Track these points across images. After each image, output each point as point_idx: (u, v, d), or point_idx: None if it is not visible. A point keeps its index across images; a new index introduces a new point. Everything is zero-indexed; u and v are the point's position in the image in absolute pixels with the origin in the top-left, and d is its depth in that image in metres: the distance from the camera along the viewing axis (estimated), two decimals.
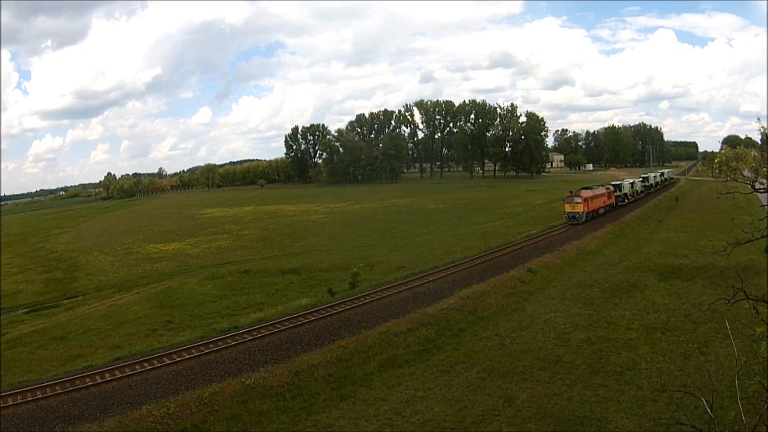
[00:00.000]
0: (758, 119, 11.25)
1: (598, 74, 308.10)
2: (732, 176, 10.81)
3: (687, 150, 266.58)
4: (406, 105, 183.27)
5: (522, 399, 18.95)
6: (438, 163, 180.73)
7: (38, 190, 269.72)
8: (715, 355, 21.08)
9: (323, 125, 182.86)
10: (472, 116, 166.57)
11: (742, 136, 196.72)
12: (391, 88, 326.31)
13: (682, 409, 16.86)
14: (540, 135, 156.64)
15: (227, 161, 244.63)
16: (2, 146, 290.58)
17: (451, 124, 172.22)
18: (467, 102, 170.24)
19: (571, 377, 20.41)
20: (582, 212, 51.66)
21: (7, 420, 17.73)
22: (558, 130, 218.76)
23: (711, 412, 7.99)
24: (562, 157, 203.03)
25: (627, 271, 35.70)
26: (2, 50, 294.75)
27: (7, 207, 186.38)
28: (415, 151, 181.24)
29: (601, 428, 16.86)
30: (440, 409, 18.47)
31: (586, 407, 18.13)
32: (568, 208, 52.73)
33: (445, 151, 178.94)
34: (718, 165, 11.15)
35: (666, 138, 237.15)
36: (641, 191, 75.14)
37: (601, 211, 56.65)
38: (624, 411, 17.65)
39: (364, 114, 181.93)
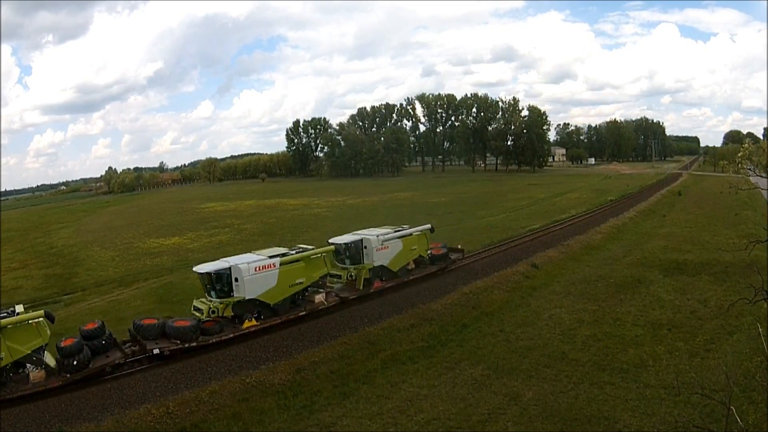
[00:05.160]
0: None
1: (600, 68, 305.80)
2: (757, 172, 10.40)
3: (689, 145, 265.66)
4: (408, 98, 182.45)
5: (528, 397, 18.61)
6: (440, 156, 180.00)
7: (39, 185, 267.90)
8: (723, 353, 20.82)
9: (325, 119, 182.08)
10: (474, 110, 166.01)
11: (744, 132, 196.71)
12: (393, 82, 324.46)
13: (692, 408, 16.54)
14: (542, 129, 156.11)
15: (228, 155, 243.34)
16: (3, 141, 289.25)
17: (453, 118, 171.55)
18: (469, 96, 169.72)
19: (578, 375, 20.06)
20: None
21: (4, 419, 17.46)
22: (560, 124, 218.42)
23: (740, 420, 7.60)
24: (564, 151, 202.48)
25: (631, 266, 35.31)
26: (3, 45, 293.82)
27: (8, 202, 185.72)
28: (416, 144, 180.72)
29: (608, 428, 16.51)
30: (445, 408, 18.14)
31: (593, 406, 17.80)
32: None
33: (446, 144, 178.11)
34: (740, 159, 10.72)
35: (668, 133, 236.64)
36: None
37: None
38: (632, 410, 17.29)
39: (365, 108, 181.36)
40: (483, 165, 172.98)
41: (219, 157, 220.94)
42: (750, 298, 10.26)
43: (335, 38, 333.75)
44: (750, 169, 10.66)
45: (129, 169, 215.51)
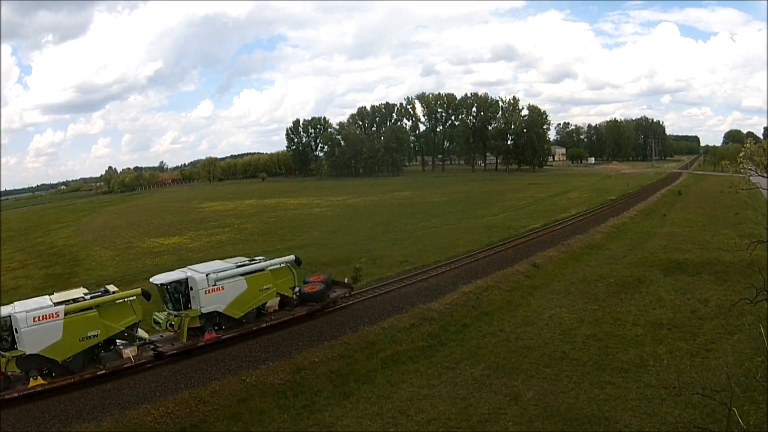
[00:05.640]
0: None
1: (600, 68, 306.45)
2: (758, 172, 10.36)
3: (689, 144, 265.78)
4: (408, 98, 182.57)
5: (528, 397, 18.59)
6: (440, 156, 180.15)
7: (39, 184, 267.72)
8: (724, 353, 20.78)
9: (325, 118, 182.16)
10: (474, 109, 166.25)
11: (744, 131, 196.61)
12: (393, 81, 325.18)
13: (692, 408, 16.50)
14: (542, 128, 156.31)
15: (228, 155, 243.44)
16: (3, 141, 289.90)
17: (453, 117, 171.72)
18: (469, 95, 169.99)
19: (578, 374, 20.03)
20: None
21: (4, 419, 17.44)
22: (560, 124, 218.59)
23: (741, 421, 7.57)
24: (564, 150, 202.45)
25: (632, 265, 35.28)
26: (3, 45, 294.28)
27: (8, 202, 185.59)
28: (416, 144, 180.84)
29: (609, 428, 16.48)
30: (445, 408, 18.11)
31: (593, 405, 17.77)
32: None
33: (446, 144, 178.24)
34: (742, 158, 10.67)
35: (668, 132, 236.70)
36: None
37: None
38: (632, 410, 17.27)
39: (365, 107, 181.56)
40: (483, 164, 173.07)
41: (219, 156, 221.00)
42: (751, 298, 10.21)
43: (335, 37, 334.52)
44: (751, 169, 10.62)
45: (129, 168, 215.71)
